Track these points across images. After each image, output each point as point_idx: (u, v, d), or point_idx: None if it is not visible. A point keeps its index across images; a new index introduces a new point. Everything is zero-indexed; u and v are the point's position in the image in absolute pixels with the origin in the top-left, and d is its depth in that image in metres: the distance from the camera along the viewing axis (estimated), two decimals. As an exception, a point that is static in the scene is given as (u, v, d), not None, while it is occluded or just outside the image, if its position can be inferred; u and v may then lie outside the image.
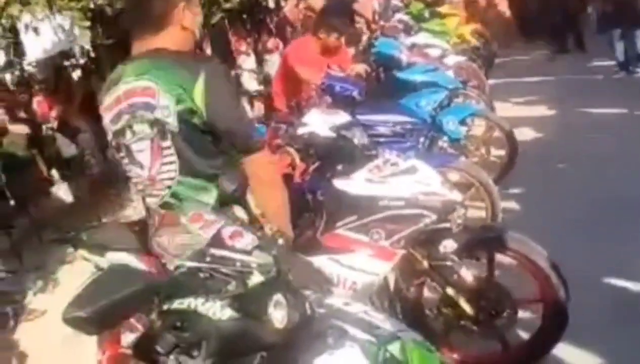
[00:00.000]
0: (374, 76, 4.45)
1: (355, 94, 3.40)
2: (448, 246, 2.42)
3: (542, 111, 6.26)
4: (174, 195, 1.84)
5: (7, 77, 7.56)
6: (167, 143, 1.77)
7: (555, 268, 2.41)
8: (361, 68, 4.23)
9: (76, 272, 5.10)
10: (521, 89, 7.25)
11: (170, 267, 1.82)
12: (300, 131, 2.63)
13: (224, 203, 1.77)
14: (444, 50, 6.01)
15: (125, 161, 1.91)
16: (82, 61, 8.53)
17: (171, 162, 1.79)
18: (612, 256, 3.22)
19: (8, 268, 5.57)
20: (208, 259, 1.27)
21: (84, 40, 5.07)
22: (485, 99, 5.39)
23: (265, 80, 9.18)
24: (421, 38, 6.10)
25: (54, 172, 7.33)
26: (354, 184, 2.40)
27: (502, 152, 4.54)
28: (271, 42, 9.40)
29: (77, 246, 2.84)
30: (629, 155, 4.55)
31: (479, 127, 4.81)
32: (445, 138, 4.12)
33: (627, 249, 3.27)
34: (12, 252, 5.82)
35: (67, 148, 6.82)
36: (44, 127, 6.83)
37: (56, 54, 6.46)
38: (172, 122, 1.73)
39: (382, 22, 6.59)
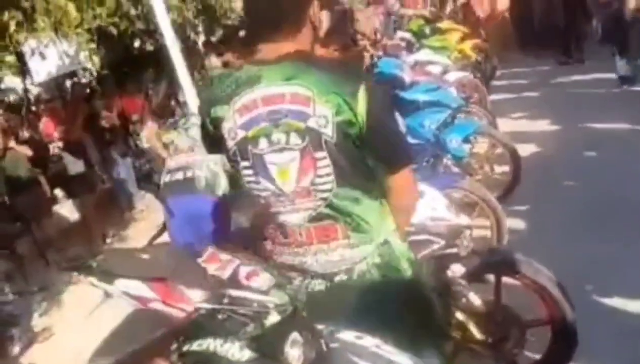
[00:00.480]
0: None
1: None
2: (456, 270, 2.45)
3: (543, 125, 6.28)
4: (330, 206, 1.70)
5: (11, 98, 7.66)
6: (323, 154, 1.64)
7: (561, 290, 2.43)
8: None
9: (82, 293, 5.14)
10: (522, 103, 7.27)
11: (316, 287, 1.77)
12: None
13: (238, 238, 1.77)
14: (446, 66, 6.06)
15: (250, 171, 1.73)
16: (84, 80, 8.66)
17: (327, 174, 1.67)
18: (619, 273, 3.24)
19: (14, 290, 5.57)
20: (226, 300, 1.29)
21: (94, 63, 5.11)
22: (488, 115, 5.41)
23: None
24: (423, 55, 6.14)
25: (58, 191, 7.40)
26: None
27: (505, 169, 4.57)
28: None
29: (87, 274, 2.87)
30: (633, 170, 4.55)
31: (482, 144, 4.83)
32: (449, 156, 4.15)
33: (636, 266, 3.28)
34: (17, 273, 5.85)
35: (74, 165, 6.85)
36: (50, 146, 6.89)
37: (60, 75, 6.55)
38: (329, 132, 1.62)
39: (384, 40, 6.65)
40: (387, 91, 1.77)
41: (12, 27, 3.85)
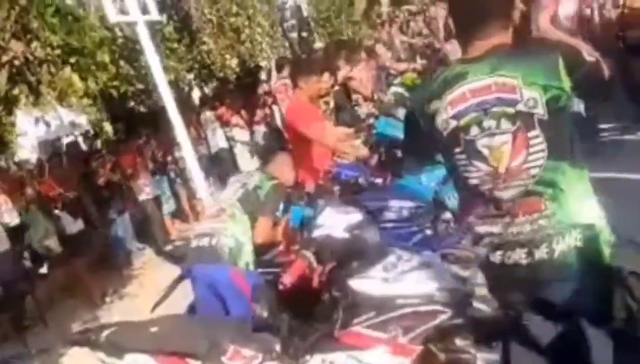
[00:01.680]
0: (377, 157, 4.53)
1: (361, 180, 3.53)
2: (464, 338, 2.47)
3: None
4: (540, 182, 1.85)
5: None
6: (536, 132, 1.82)
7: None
8: (365, 152, 4.32)
9: (82, 357, 5.08)
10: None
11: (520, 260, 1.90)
12: (315, 233, 2.72)
13: (258, 329, 1.80)
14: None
15: (463, 156, 1.94)
16: (79, 139, 8.76)
17: (540, 151, 1.83)
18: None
19: (13, 353, 5.52)
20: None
21: (105, 132, 5.22)
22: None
23: (257, 152, 9.51)
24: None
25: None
26: (370, 284, 2.45)
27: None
28: (259, 115, 9.73)
29: (95, 348, 2.85)
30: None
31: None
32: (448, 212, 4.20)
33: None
34: (17, 336, 5.79)
35: (72, 225, 6.89)
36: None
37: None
38: (541, 111, 1.79)
39: (377, 95, 6.79)
40: (572, 47, 2.09)
41: (22, 100, 3.95)
